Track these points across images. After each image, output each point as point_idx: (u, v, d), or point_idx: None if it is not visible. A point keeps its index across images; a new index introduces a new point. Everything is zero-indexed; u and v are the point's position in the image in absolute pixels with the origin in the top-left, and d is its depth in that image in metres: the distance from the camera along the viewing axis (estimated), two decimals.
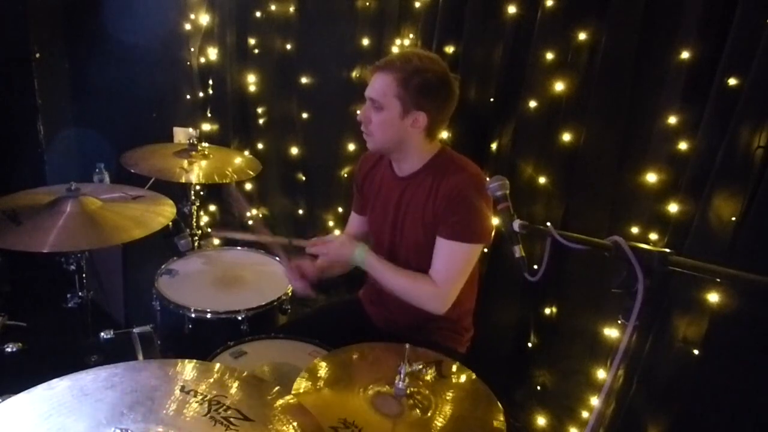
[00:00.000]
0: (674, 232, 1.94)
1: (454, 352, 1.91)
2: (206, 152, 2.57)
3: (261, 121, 3.45)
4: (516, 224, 1.26)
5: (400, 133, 1.72)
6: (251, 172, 2.60)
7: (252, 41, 3.30)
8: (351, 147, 3.09)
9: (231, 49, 3.33)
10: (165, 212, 1.95)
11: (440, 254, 1.74)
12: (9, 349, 1.62)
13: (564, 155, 2.24)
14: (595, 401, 1.42)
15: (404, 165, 1.81)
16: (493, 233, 1.80)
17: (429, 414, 1.30)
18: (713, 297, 1.77)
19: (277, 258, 2.19)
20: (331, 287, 3.33)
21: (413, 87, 1.67)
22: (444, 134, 2.58)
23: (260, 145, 3.49)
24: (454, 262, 1.75)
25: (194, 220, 2.77)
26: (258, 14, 3.22)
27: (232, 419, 0.92)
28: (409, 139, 1.74)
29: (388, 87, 1.69)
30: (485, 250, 2.55)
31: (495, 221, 2.44)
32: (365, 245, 1.81)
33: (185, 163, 2.46)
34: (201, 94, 3.49)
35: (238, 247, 2.55)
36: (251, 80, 3.37)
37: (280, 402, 1.00)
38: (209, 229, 2.08)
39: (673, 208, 1.95)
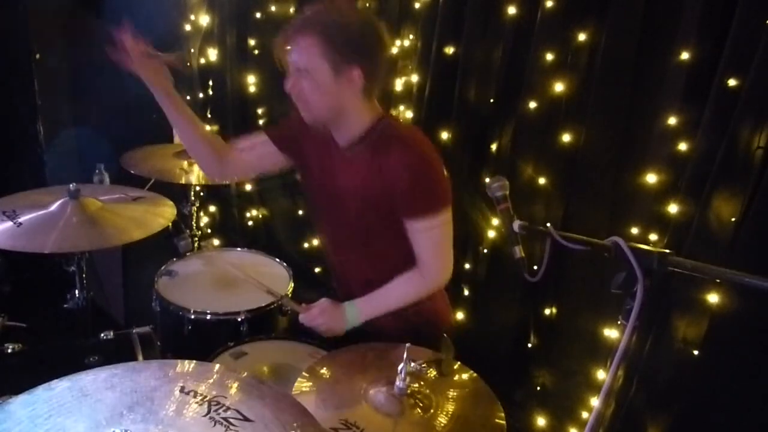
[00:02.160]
0: (674, 233, 1.94)
1: (444, 324, 1.88)
2: None
3: (261, 121, 3.45)
4: (516, 225, 1.26)
5: (338, 97, 1.53)
6: None
7: (252, 42, 3.30)
8: None
9: (231, 49, 3.33)
10: (165, 213, 1.95)
11: (417, 237, 1.63)
12: (9, 350, 1.62)
13: (564, 156, 2.24)
14: (595, 401, 1.42)
15: (344, 133, 1.63)
16: (450, 200, 1.68)
17: (430, 413, 1.30)
18: (713, 297, 1.77)
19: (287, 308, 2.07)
20: (331, 287, 3.34)
21: (339, 41, 1.47)
22: (444, 134, 2.58)
23: None
24: (434, 238, 1.65)
25: (194, 221, 2.77)
26: (258, 15, 3.23)
27: (231, 420, 0.92)
28: (347, 102, 1.55)
29: (311, 48, 1.49)
30: (485, 251, 2.56)
31: (495, 222, 2.45)
32: (350, 303, 1.68)
33: (185, 164, 2.46)
34: (201, 95, 3.50)
35: (238, 248, 2.55)
36: (251, 81, 3.37)
37: (280, 402, 1.00)
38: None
39: (673, 208, 1.95)
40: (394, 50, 2.74)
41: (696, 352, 1.86)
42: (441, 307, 1.90)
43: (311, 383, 1.36)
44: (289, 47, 1.54)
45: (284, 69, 1.60)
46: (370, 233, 1.69)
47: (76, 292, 1.99)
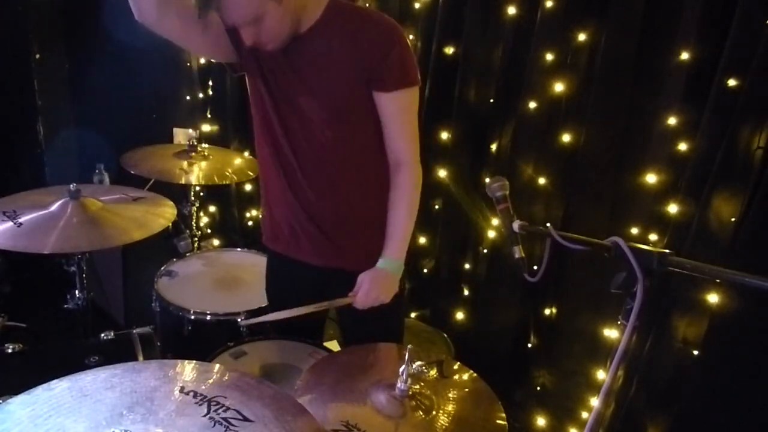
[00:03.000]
0: (674, 233, 1.94)
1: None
2: (206, 153, 2.57)
3: None
4: (516, 225, 1.26)
5: (291, 13, 1.45)
6: (251, 173, 2.60)
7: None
8: None
9: None
10: (165, 213, 1.95)
11: (391, 111, 1.57)
12: (9, 350, 1.62)
13: (564, 156, 2.24)
14: (595, 401, 1.43)
15: (303, 25, 1.52)
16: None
17: (432, 414, 1.30)
18: (713, 297, 1.77)
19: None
20: None
21: None
22: (444, 134, 2.59)
23: None
24: (408, 112, 1.60)
25: (194, 221, 2.77)
26: None
27: (231, 420, 0.92)
28: (299, 6, 1.46)
29: (248, 1, 1.37)
30: (485, 251, 2.56)
31: (495, 222, 2.45)
32: (383, 259, 1.62)
33: (185, 164, 2.46)
34: (201, 95, 3.50)
35: (238, 249, 2.55)
36: None
37: (280, 402, 1.00)
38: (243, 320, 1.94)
39: (672, 208, 1.95)
40: None
41: (696, 352, 1.86)
42: None
43: (311, 383, 1.36)
44: (223, 15, 1.41)
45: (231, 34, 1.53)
46: (344, 128, 1.59)
47: (76, 292, 1.99)
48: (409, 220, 1.64)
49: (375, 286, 1.59)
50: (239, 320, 1.99)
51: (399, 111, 1.59)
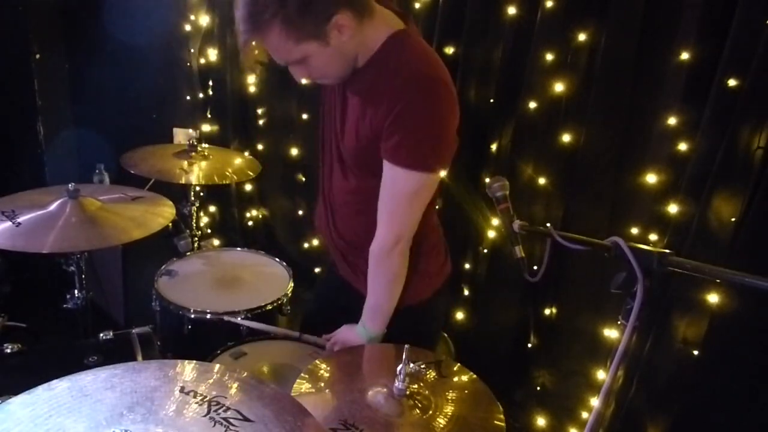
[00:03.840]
0: (674, 233, 1.94)
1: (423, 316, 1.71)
2: (206, 153, 2.57)
3: (261, 121, 3.45)
4: (516, 225, 1.26)
5: (343, 52, 1.34)
6: (251, 173, 2.60)
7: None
8: None
9: (231, 49, 3.33)
10: (165, 213, 1.94)
11: (383, 178, 1.40)
12: (8, 350, 1.62)
13: (564, 156, 2.24)
14: (595, 401, 1.43)
15: (360, 59, 1.41)
16: (447, 162, 1.44)
17: (429, 414, 1.30)
18: (713, 297, 1.77)
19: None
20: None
21: (299, 14, 1.24)
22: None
23: (260, 146, 3.49)
24: (395, 193, 1.39)
25: (194, 221, 2.77)
26: None
27: (231, 420, 0.92)
28: (354, 43, 1.34)
29: (283, 42, 1.28)
30: (485, 251, 2.56)
31: (495, 222, 2.45)
32: (361, 325, 1.61)
33: (185, 163, 2.46)
34: (201, 95, 3.49)
35: (238, 248, 2.55)
36: (251, 81, 3.36)
37: (280, 401, 1.00)
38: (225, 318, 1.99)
39: (672, 208, 1.95)
40: None
41: (696, 352, 1.86)
42: (427, 255, 1.65)
43: (311, 383, 1.36)
44: (258, 44, 1.34)
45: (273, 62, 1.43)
46: (358, 166, 1.50)
47: (76, 292, 1.99)
48: (374, 292, 1.55)
49: (342, 343, 1.63)
50: (226, 318, 1.97)
51: (390, 185, 1.41)
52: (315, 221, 1.80)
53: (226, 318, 1.95)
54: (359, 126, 1.42)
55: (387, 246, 1.47)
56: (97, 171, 2.76)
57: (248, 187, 3.57)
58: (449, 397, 1.37)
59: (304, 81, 1.41)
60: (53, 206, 1.80)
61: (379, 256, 1.50)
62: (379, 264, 1.51)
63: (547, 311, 2.43)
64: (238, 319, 1.94)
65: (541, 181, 2.31)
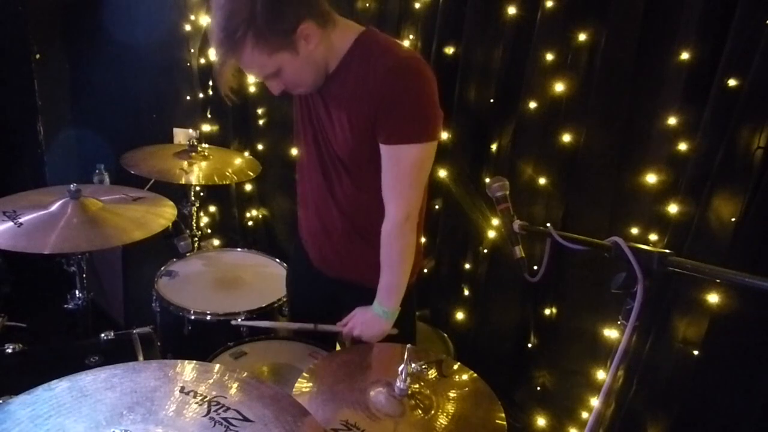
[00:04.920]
0: (674, 233, 1.94)
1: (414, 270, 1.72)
2: (206, 153, 2.57)
3: (261, 122, 3.45)
4: (516, 225, 1.26)
5: (312, 61, 1.43)
6: (251, 173, 2.60)
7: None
8: None
9: None
10: (165, 213, 1.95)
11: (384, 164, 1.48)
12: (9, 350, 1.62)
13: (564, 156, 2.24)
14: (595, 401, 1.42)
15: (330, 65, 1.49)
16: (439, 130, 1.49)
17: (431, 414, 1.30)
18: (713, 297, 1.77)
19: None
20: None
21: (268, 27, 1.32)
22: (444, 134, 2.59)
23: (260, 146, 3.49)
24: (400, 171, 1.47)
25: (194, 221, 2.77)
26: None
27: (231, 420, 0.92)
28: (322, 50, 1.43)
29: (257, 56, 1.37)
30: (485, 251, 2.56)
31: (495, 222, 2.45)
32: (376, 304, 1.63)
33: (185, 164, 2.46)
34: (201, 95, 3.50)
35: (238, 249, 2.55)
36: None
37: (280, 401, 1.00)
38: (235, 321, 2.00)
39: (673, 208, 1.95)
40: None
41: (696, 352, 1.86)
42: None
43: (311, 383, 1.36)
44: (239, 68, 1.45)
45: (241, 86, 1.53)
46: (352, 161, 1.56)
47: (76, 292, 1.99)
48: (390, 268, 1.59)
49: (361, 324, 1.64)
50: (234, 321, 1.98)
51: (393, 165, 1.48)
52: (302, 231, 1.82)
53: (235, 322, 1.94)
54: (351, 124, 1.49)
55: (400, 222, 1.54)
56: (97, 171, 2.77)
57: (248, 187, 3.57)
58: (450, 397, 1.37)
59: (277, 93, 1.50)
60: (55, 207, 1.80)
61: (393, 234, 1.56)
62: (395, 241, 1.57)
63: (547, 311, 2.43)
64: (239, 320, 1.94)
65: (541, 181, 2.31)
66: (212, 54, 1.45)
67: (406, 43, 2.73)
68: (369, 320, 1.63)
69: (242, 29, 1.32)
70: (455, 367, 1.50)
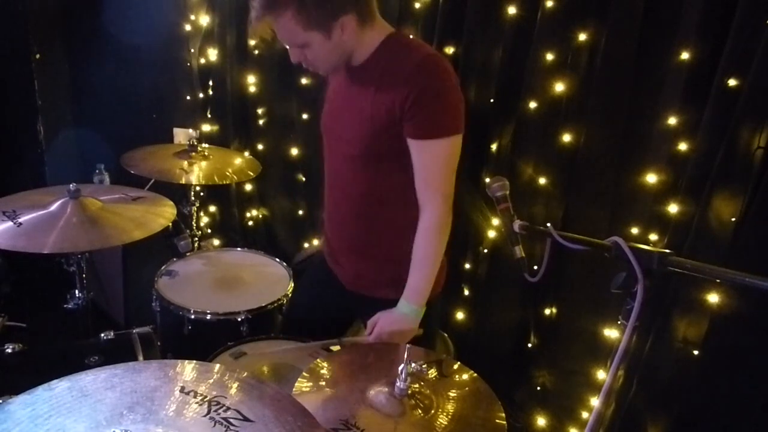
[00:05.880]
0: (674, 233, 1.94)
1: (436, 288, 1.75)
2: (206, 153, 2.57)
3: (261, 121, 3.45)
4: (516, 225, 1.26)
5: (341, 47, 1.50)
6: (251, 173, 2.60)
7: (252, 42, 3.30)
8: None
9: (231, 49, 3.33)
10: (165, 213, 1.95)
11: (417, 161, 1.54)
12: (9, 350, 1.62)
13: (564, 156, 2.24)
14: (595, 401, 1.42)
15: (356, 59, 1.57)
16: (462, 124, 1.55)
17: (431, 413, 1.30)
18: (713, 297, 1.77)
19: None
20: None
21: (312, 7, 1.41)
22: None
23: (260, 146, 3.49)
24: (434, 165, 1.54)
25: (194, 221, 2.77)
26: None
27: (231, 420, 0.92)
28: (351, 43, 1.51)
29: (291, 28, 1.44)
30: (485, 251, 2.56)
31: (495, 222, 2.44)
32: (402, 302, 1.63)
33: (185, 164, 2.46)
34: (201, 95, 3.50)
35: (238, 248, 2.55)
36: (251, 81, 3.37)
37: (280, 401, 1.00)
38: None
39: (673, 208, 1.95)
40: None
41: (696, 352, 1.86)
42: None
43: (311, 383, 1.36)
44: (269, 28, 1.49)
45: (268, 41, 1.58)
46: (374, 168, 1.61)
47: (76, 292, 1.99)
48: (425, 265, 1.62)
49: (389, 326, 1.63)
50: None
51: (427, 160, 1.54)
52: (324, 227, 1.87)
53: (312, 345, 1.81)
54: (373, 117, 1.53)
55: (440, 217, 1.58)
56: (97, 171, 2.77)
57: (248, 187, 3.57)
58: (450, 396, 1.37)
59: (294, 62, 1.54)
60: (54, 206, 1.80)
61: (433, 230, 1.59)
62: (434, 238, 1.60)
63: (547, 311, 2.43)
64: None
65: (541, 181, 2.31)
66: (253, 9, 1.48)
67: None
68: (397, 321, 1.63)
69: None
70: (455, 366, 1.50)
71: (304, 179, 3.43)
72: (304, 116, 3.28)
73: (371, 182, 1.63)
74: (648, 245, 1.01)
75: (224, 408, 0.94)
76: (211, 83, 3.49)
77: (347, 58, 1.55)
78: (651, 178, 2.02)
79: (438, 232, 1.60)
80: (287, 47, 1.54)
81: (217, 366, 1.09)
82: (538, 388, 2.50)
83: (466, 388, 1.42)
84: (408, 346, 1.34)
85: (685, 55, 1.89)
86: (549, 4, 2.14)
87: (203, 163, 2.51)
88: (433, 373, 1.44)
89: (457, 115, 1.52)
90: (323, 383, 1.37)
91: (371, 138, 1.55)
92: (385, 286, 1.71)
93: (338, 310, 1.86)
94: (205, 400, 0.96)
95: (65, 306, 2.01)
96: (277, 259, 2.38)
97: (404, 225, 1.63)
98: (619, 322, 1.03)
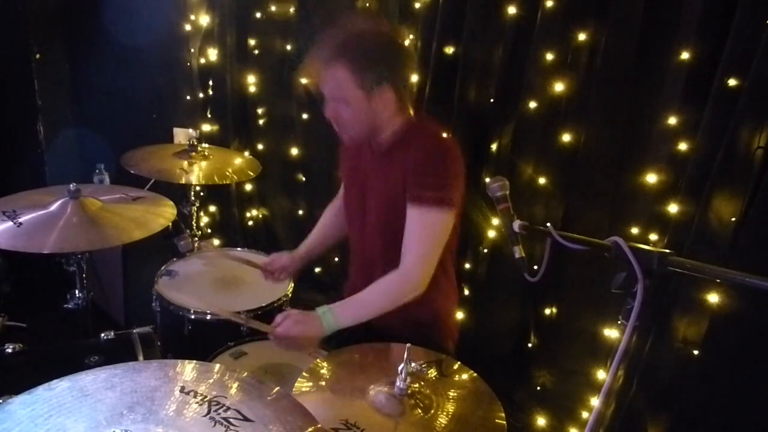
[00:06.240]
0: (674, 233, 1.94)
1: (443, 350, 1.84)
2: (206, 153, 2.57)
3: (261, 121, 3.46)
4: (516, 225, 1.26)
5: (374, 116, 1.62)
6: (251, 173, 2.60)
7: (252, 42, 3.31)
8: None
9: (231, 49, 3.33)
10: (165, 213, 1.95)
11: (408, 223, 1.62)
12: (9, 350, 1.62)
13: (564, 156, 2.24)
14: (595, 401, 1.41)
15: (378, 140, 1.70)
16: (457, 204, 1.64)
17: (431, 413, 1.30)
18: (713, 297, 1.77)
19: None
20: (330, 288, 3.33)
21: (365, 65, 1.54)
22: (444, 134, 2.59)
23: (260, 146, 3.49)
24: (417, 231, 1.60)
25: (194, 221, 2.77)
26: (258, 15, 3.23)
27: (231, 420, 0.92)
28: (383, 116, 1.64)
29: (342, 80, 1.56)
30: (485, 251, 2.56)
31: (495, 222, 2.44)
32: (326, 309, 1.59)
33: (185, 164, 2.46)
34: (201, 95, 3.50)
35: (238, 249, 2.55)
36: (251, 81, 3.37)
37: (280, 402, 1.00)
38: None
39: (673, 208, 1.95)
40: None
41: (696, 352, 1.86)
42: (449, 305, 1.94)
43: (311, 383, 1.36)
44: (319, 78, 1.61)
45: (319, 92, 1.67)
46: (387, 233, 1.70)
47: (76, 292, 1.99)
48: (376, 303, 1.62)
49: (299, 325, 1.56)
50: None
51: (415, 226, 1.61)
52: (349, 283, 1.96)
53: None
54: (388, 192, 1.67)
55: (412, 281, 1.61)
56: (97, 171, 2.77)
57: (248, 187, 3.57)
58: (450, 396, 1.37)
59: (327, 116, 1.66)
60: (54, 206, 1.80)
61: (393, 283, 1.62)
62: (391, 292, 1.63)
63: (547, 311, 2.43)
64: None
65: (541, 181, 2.31)
66: (311, 57, 1.64)
67: (406, 43, 2.73)
68: (309, 322, 1.57)
69: (347, 55, 1.54)
70: (455, 366, 1.50)
71: (304, 179, 3.43)
72: (304, 116, 3.28)
73: (390, 249, 1.67)
74: (648, 245, 1.01)
75: (224, 408, 0.94)
76: (211, 83, 3.49)
77: (374, 131, 1.67)
78: (651, 178, 2.02)
79: (400, 291, 1.61)
80: (324, 101, 1.64)
81: (217, 366, 1.09)
82: (538, 388, 2.50)
83: (466, 388, 1.42)
84: (408, 345, 1.34)
85: (685, 55, 1.89)
86: (549, 4, 2.15)
87: (203, 163, 2.51)
88: (433, 372, 1.44)
89: (451, 192, 1.59)
90: (323, 383, 1.37)
91: (388, 213, 1.67)
92: (400, 325, 1.70)
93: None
94: (205, 400, 0.96)
95: (65, 306, 2.01)
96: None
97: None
98: (619, 322, 1.03)
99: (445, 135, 1.72)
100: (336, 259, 3.34)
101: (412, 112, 1.72)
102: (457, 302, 2.03)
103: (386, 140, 1.69)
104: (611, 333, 2.15)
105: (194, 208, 2.76)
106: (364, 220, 1.78)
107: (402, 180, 1.62)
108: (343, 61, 1.54)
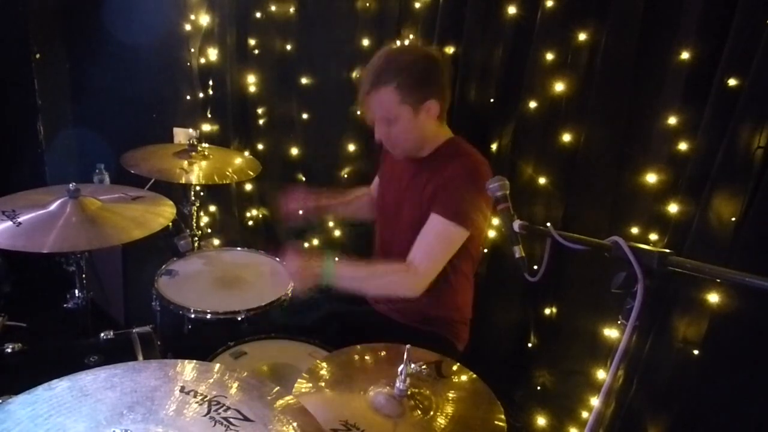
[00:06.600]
0: (674, 233, 1.94)
1: (453, 348, 1.94)
2: (206, 153, 2.57)
3: (261, 121, 3.45)
4: (516, 224, 1.26)
5: (421, 131, 1.79)
6: (251, 173, 2.60)
7: (252, 42, 3.30)
8: (351, 147, 3.09)
9: (231, 49, 3.33)
10: (165, 213, 1.95)
11: (426, 225, 1.77)
12: (9, 350, 1.62)
13: (564, 156, 2.24)
14: (595, 401, 1.41)
15: (419, 153, 1.87)
16: (475, 225, 1.77)
17: (430, 414, 1.30)
18: (713, 297, 1.77)
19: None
20: (330, 288, 3.33)
21: (413, 85, 1.70)
22: (481, 157, 2.59)
23: (260, 146, 3.49)
24: (431, 236, 1.75)
25: (194, 220, 2.77)
26: (258, 15, 3.22)
27: (231, 419, 0.92)
28: (428, 130, 1.81)
29: (390, 100, 1.71)
30: (485, 251, 2.56)
31: (495, 222, 2.44)
32: (331, 259, 1.79)
33: (185, 163, 2.46)
34: (201, 95, 3.49)
35: (238, 248, 2.55)
36: (251, 81, 3.37)
37: (280, 402, 1.00)
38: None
39: (673, 208, 1.95)
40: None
41: (696, 352, 1.86)
42: (465, 311, 2.03)
43: (311, 383, 1.36)
44: (370, 99, 1.75)
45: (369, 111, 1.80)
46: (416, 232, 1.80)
47: (76, 292, 1.99)
48: (374, 282, 1.80)
49: (303, 266, 1.77)
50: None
51: (428, 231, 1.74)
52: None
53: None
54: (422, 203, 1.79)
55: (413, 276, 1.73)
56: (97, 171, 2.76)
57: (248, 187, 3.57)
58: (450, 397, 1.37)
59: (378, 138, 1.82)
60: (54, 206, 1.80)
61: (400, 274, 1.75)
62: (391, 279, 1.78)
63: (547, 311, 2.43)
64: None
65: (541, 181, 2.31)
66: (364, 80, 1.80)
67: (406, 43, 2.73)
68: (313, 270, 1.75)
69: (396, 78, 1.68)
70: (455, 367, 1.50)
71: (304, 179, 3.43)
72: (304, 116, 3.28)
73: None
74: (648, 245, 1.01)
75: (224, 408, 0.95)
76: (211, 83, 3.48)
77: (421, 144, 1.83)
78: (651, 177, 2.02)
79: (402, 284, 1.75)
80: (374, 124, 1.80)
81: (217, 366, 1.09)
82: (538, 388, 2.50)
83: (466, 389, 1.42)
84: (408, 346, 1.34)
85: (685, 55, 1.89)
86: (549, 4, 2.14)
87: (203, 163, 2.51)
88: (432, 373, 1.44)
89: (469, 210, 1.71)
90: (323, 384, 1.37)
91: (420, 221, 1.77)
92: (416, 319, 1.90)
93: (354, 323, 1.98)
94: (205, 399, 0.96)
95: (65, 306, 2.01)
96: (277, 259, 2.38)
97: (444, 289, 1.84)
98: (619, 322, 1.03)
99: (476, 157, 1.83)
100: (336, 259, 3.33)
101: (448, 129, 1.89)
102: (472, 309, 2.10)
103: (429, 154, 1.85)
104: (611, 333, 2.15)
105: (194, 208, 2.76)
106: (398, 225, 1.91)
107: (435, 191, 1.76)
108: (393, 80, 1.69)
